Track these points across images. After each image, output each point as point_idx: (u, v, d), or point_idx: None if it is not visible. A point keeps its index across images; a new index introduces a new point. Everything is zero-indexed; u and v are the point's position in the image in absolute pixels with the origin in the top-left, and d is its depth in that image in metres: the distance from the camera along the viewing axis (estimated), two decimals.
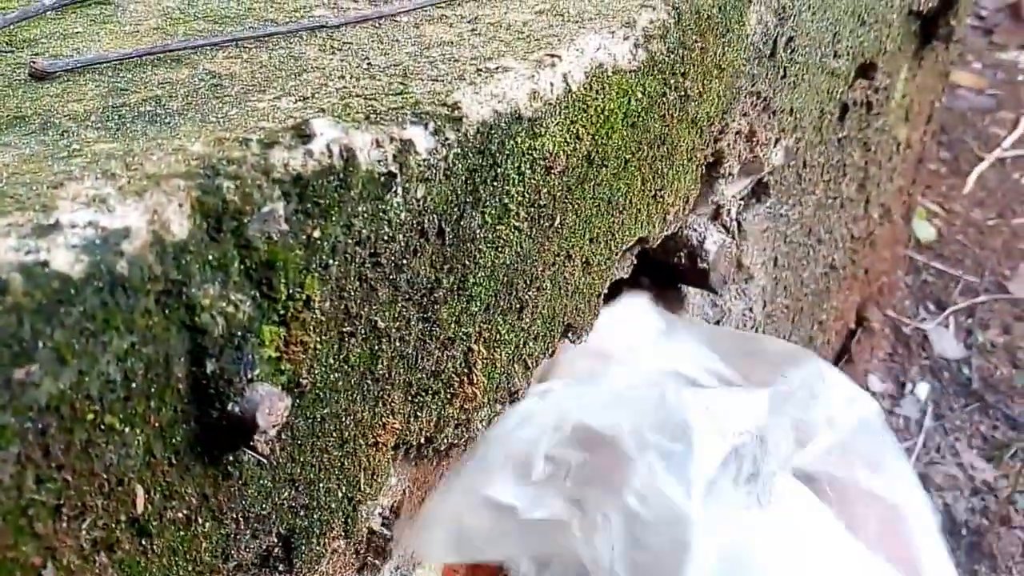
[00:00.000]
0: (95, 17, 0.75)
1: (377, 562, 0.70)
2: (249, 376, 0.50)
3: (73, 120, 0.57)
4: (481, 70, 0.64)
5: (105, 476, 0.46)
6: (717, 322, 1.27)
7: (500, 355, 0.72)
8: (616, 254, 0.84)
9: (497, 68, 0.64)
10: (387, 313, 0.59)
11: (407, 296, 0.60)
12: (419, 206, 0.58)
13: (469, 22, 0.74)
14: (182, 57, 0.66)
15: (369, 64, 0.65)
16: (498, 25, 0.73)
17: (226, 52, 0.67)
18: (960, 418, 2.08)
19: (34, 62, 0.62)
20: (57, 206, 0.45)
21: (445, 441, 0.72)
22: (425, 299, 0.62)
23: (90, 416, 0.44)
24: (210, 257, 0.47)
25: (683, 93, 0.83)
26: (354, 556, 0.69)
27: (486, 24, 0.73)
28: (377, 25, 0.73)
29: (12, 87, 0.62)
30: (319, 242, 0.52)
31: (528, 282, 0.72)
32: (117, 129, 0.56)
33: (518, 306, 0.72)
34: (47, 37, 0.70)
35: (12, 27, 0.71)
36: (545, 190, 0.69)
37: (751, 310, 1.36)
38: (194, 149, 0.50)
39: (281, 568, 0.61)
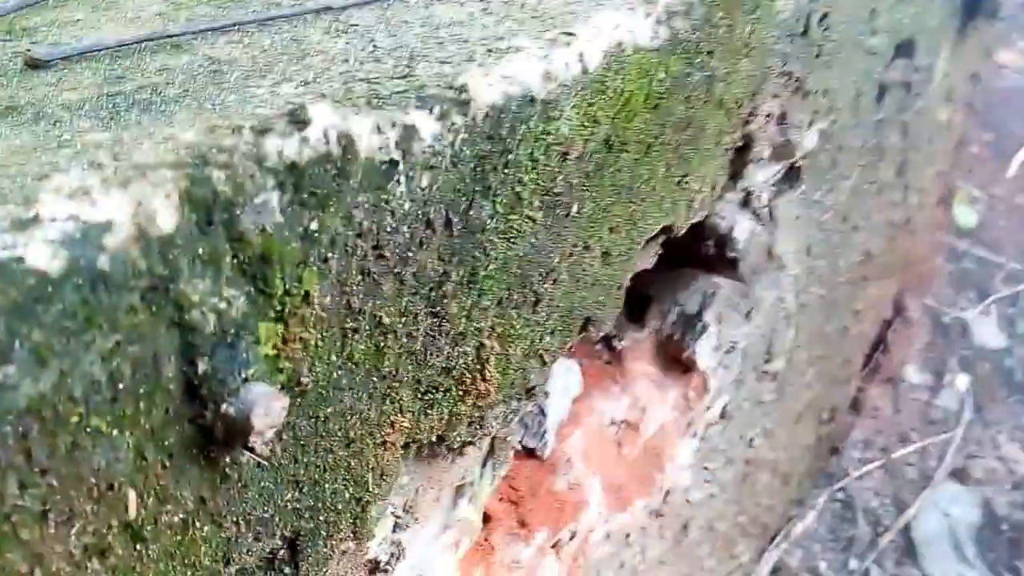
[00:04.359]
0: (97, 4, 0.73)
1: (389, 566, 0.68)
2: (244, 375, 0.48)
3: (67, 109, 0.55)
4: (491, 50, 0.61)
5: (94, 480, 0.44)
6: (747, 314, 1.23)
7: (515, 350, 0.70)
8: (638, 244, 0.80)
9: (508, 48, 0.61)
10: (393, 308, 0.57)
11: (414, 290, 0.58)
12: (424, 195, 0.55)
13: (481, 0, 0.71)
14: (182, 43, 0.64)
15: (375, 47, 0.63)
16: (511, 3, 0.70)
17: (228, 37, 0.65)
18: (1001, 410, 2.02)
19: (30, 50, 0.60)
20: (39, 199, 0.42)
21: (458, 439, 0.69)
22: (433, 293, 0.60)
23: (74, 419, 0.42)
24: (200, 251, 0.45)
25: (709, 73, 0.79)
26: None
27: (499, 2, 0.70)
28: (385, 6, 0.70)
29: (7, 76, 0.60)
30: (317, 234, 0.50)
31: (543, 274, 0.69)
32: (110, 118, 0.53)
33: (533, 299, 0.69)
34: (47, 25, 0.69)
35: (13, 15, 0.70)
36: (561, 177, 0.66)
37: (783, 300, 1.32)
38: (185, 138, 0.48)
39: (287, 571, 0.59)
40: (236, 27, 0.65)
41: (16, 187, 0.44)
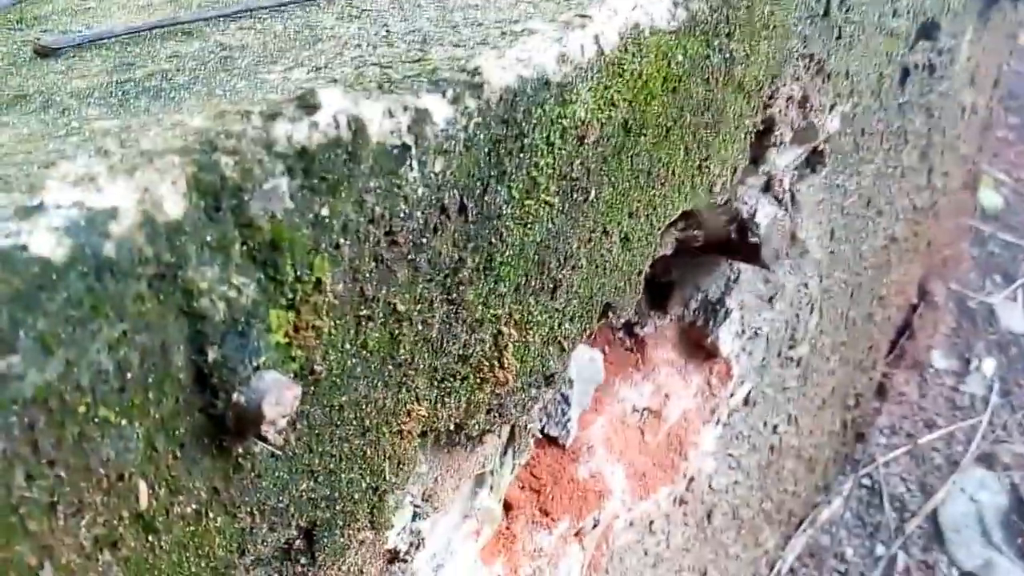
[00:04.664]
0: None
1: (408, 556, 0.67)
2: (255, 363, 0.47)
3: (75, 97, 0.55)
4: (505, 33, 0.60)
5: (103, 471, 0.44)
6: (770, 299, 1.21)
7: (533, 337, 0.69)
8: (658, 229, 0.79)
9: (523, 31, 0.60)
10: (407, 295, 0.56)
11: (429, 277, 0.57)
12: (438, 180, 0.54)
13: None
14: (193, 30, 0.63)
15: (387, 31, 0.62)
16: None
17: (239, 23, 0.64)
18: None
19: (39, 39, 0.60)
20: (45, 186, 0.42)
21: (477, 428, 0.68)
22: (449, 280, 0.59)
23: (82, 408, 0.41)
24: (208, 238, 0.44)
25: (728, 55, 0.78)
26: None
27: None
28: None
29: (16, 64, 0.60)
30: (328, 220, 0.49)
31: (561, 260, 0.68)
32: (120, 105, 0.53)
33: (551, 285, 0.68)
34: (58, 13, 0.68)
35: (23, 4, 0.69)
36: (578, 161, 0.65)
37: (806, 285, 1.30)
38: (193, 124, 0.47)
39: (303, 561, 0.59)
40: (248, 13, 0.64)
41: (22, 175, 0.44)
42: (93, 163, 0.43)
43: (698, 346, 1.16)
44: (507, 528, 0.92)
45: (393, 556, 0.69)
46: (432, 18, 0.63)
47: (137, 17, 0.66)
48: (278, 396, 0.47)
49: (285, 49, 0.60)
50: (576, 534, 0.99)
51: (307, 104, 0.48)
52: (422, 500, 0.71)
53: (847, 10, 0.99)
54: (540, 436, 0.97)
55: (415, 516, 0.71)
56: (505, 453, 0.81)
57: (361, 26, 0.63)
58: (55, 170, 0.43)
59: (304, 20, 0.64)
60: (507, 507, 0.92)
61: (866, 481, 1.82)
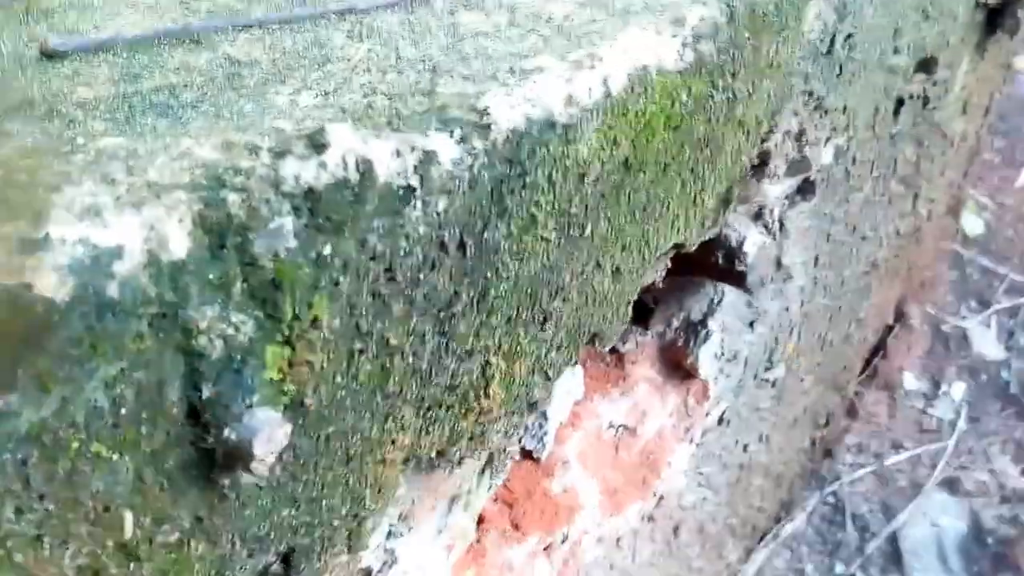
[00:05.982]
0: None
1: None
2: (248, 402, 0.47)
3: (81, 108, 0.54)
4: (515, 70, 0.60)
5: (91, 503, 0.44)
6: (751, 323, 1.22)
7: (519, 367, 0.69)
8: (649, 261, 0.80)
9: (533, 68, 0.60)
10: (400, 329, 0.56)
11: (423, 311, 0.57)
12: (440, 219, 0.54)
13: (508, 11, 0.69)
14: (201, 38, 0.62)
15: (398, 56, 0.61)
16: (537, 16, 0.68)
17: (249, 34, 0.63)
18: (995, 422, 2.03)
19: (45, 39, 0.59)
20: (50, 215, 0.42)
21: (458, 454, 0.69)
22: (442, 313, 0.59)
23: (75, 444, 0.41)
24: (211, 276, 0.44)
25: (731, 95, 0.78)
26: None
27: (524, 14, 0.68)
28: (410, 9, 0.69)
29: (23, 65, 0.59)
30: (330, 259, 0.49)
31: (553, 293, 0.68)
32: (126, 121, 0.52)
33: (541, 317, 0.69)
34: (65, 8, 0.67)
35: None
36: (577, 198, 0.65)
37: (788, 309, 1.32)
38: (200, 154, 0.47)
39: None
40: (258, 25, 0.64)
41: (26, 199, 0.43)
42: (99, 192, 0.43)
43: (677, 365, 1.17)
44: (478, 541, 0.93)
45: (366, 574, 0.70)
46: (443, 45, 0.63)
47: (145, 19, 0.65)
48: (270, 434, 0.47)
49: (294, 68, 0.59)
50: (545, 549, 1.00)
51: (317, 143, 0.48)
52: (398, 520, 0.72)
53: (850, 49, 0.99)
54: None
55: (390, 535, 0.71)
56: (483, 473, 0.82)
57: (371, 47, 0.63)
58: (60, 197, 0.43)
59: (314, 36, 0.64)
60: (479, 520, 0.93)
61: (830, 499, 1.85)
